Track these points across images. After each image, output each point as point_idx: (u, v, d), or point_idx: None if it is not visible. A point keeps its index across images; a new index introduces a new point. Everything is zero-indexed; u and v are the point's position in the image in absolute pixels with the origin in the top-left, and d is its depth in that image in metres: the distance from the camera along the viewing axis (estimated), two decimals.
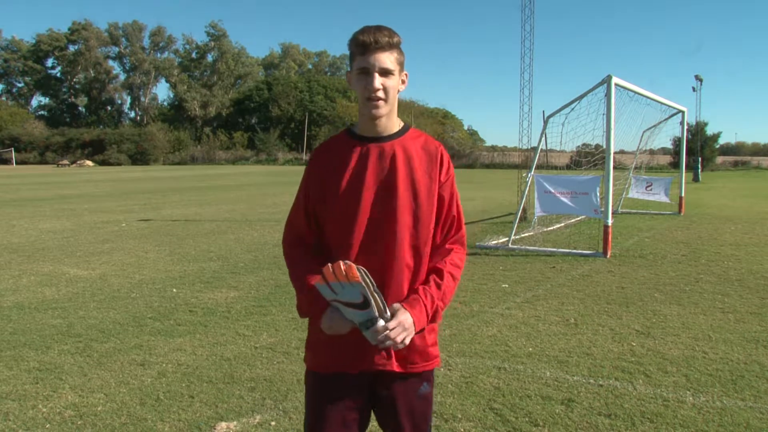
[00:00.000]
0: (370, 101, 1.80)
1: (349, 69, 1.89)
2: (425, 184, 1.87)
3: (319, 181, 1.89)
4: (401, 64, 1.85)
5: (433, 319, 1.86)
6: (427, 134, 1.98)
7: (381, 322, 1.72)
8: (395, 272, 1.84)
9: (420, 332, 1.85)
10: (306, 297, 1.85)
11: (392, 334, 1.72)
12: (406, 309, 1.78)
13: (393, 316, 1.75)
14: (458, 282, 1.92)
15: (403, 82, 1.87)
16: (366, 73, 1.79)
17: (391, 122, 1.88)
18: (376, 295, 1.70)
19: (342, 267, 1.64)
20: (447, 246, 1.94)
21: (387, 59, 1.79)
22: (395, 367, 1.87)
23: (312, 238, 1.93)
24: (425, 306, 1.82)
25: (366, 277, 1.68)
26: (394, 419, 1.93)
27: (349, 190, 1.84)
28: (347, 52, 1.88)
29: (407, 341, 1.77)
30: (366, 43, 1.77)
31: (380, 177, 1.84)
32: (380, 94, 1.79)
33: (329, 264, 1.67)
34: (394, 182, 1.84)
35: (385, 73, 1.79)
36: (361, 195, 1.83)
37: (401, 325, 1.74)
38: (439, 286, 1.86)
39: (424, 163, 1.88)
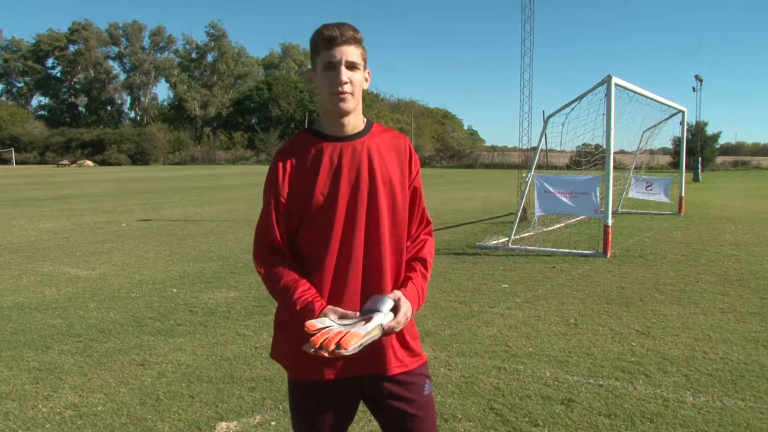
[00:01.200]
0: (336, 95, 1.75)
1: (310, 67, 1.83)
2: (399, 181, 1.85)
3: (290, 187, 1.80)
4: (365, 60, 1.81)
5: (418, 306, 1.86)
6: (390, 128, 1.95)
7: (387, 319, 1.70)
8: (378, 274, 1.81)
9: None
10: (297, 317, 1.73)
11: (398, 328, 1.74)
12: (406, 298, 1.79)
13: (395, 306, 1.75)
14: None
15: (366, 79, 1.83)
16: (332, 67, 1.74)
17: (358, 119, 1.84)
18: (364, 322, 1.66)
19: (327, 354, 1.56)
20: (422, 236, 1.96)
21: (353, 53, 1.75)
22: (391, 370, 1.83)
23: (285, 247, 1.85)
24: (417, 294, 1.84)
25: (351, 330, 1.61)
26: (410, 425, 1.87)
27: (324, 193, 1.78)
28: None
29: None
30: (332, 37, 1.73)
31: (356, 177, 1.80)
32: (347, 87, 1.75)
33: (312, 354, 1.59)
34: (373, 182, 1.80)
35: (352, 66, 1.75)
36: (337, 198, 1.78)
37: (405, 316, 1.75)
38: (425, 276, 1.89)
39: (395, 158, 1.87)
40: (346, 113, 1.79)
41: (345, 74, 1.74)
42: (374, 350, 1.80)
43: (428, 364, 1.98)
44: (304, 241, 1.83)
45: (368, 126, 1.88)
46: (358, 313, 1.72)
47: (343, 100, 1.75)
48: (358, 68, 1.77)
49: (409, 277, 1.86)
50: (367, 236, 1.80)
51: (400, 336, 1.86)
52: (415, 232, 1.94)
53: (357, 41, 1.77)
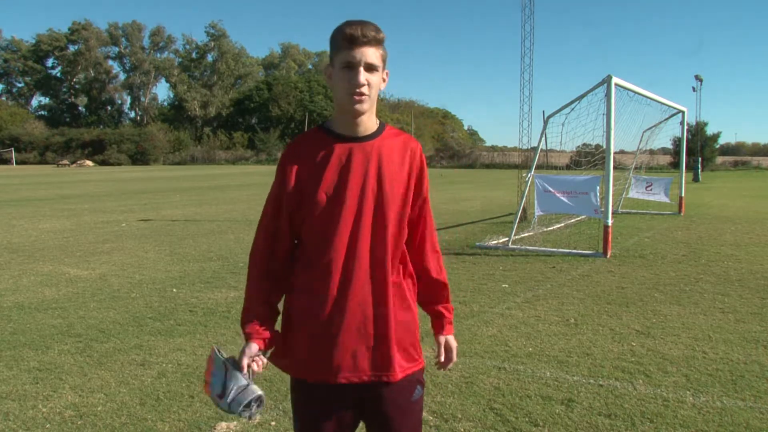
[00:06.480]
0: (353, 96, 1.73)
1: (330, 64, 1.80)
2: (405, 186, 1.84)
3: (295, 185, 1.79)
4: (384, 61, 1.80)
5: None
6: (403, 131, 1.93)
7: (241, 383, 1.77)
8: (382, 275, 1.80)
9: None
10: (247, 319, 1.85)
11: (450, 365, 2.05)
12: (449, 339, 2.04)
13: (444, 348, 2.04)
14: None
15: (384, 80, 1.82)
16: (350, 67, 1.73)
17: (371, 121, 1.83)
18: (235, 377, 1.74)
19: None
20: (435, 252, 2.00)
21: (373, 54, 1.74)
22: (395, 377, 1.83)
23: (283, 248, 1.85)
24: (451, 323, 2.07)
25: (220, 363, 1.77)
26: (389, 428, 1.88)
27: (329, 193, 1.76)
28: None
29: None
30: (354, 37, 1.71)
31: (364, 179, 1.78)
32: (365, 89, 1.73)
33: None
34: (380, 185, 1.79)
35: (371, 68, 1.74)
36: (344, 199, 1.76)
37: (452, 352, 2.05)
38: (449, 300, 2.06)
39: (406, 163, 1.85)
40: (360, 114, 1.78)
41: (363, 76, 1.72)
42: (381, 357, 1.82)
43: (426, 367, 1.99)
44: (308, 240, 1.82)
45: (381, 128, 1.86)
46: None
47: (359, 102, 1.74)
48: (376, 70, 1.76)
49: (441, 312, 2.04)
50: (372, 238, 1.79)
51: (401, 343, 1.85)
52: (421, 243, 1.96)
53: (378, 42, 1.76)
